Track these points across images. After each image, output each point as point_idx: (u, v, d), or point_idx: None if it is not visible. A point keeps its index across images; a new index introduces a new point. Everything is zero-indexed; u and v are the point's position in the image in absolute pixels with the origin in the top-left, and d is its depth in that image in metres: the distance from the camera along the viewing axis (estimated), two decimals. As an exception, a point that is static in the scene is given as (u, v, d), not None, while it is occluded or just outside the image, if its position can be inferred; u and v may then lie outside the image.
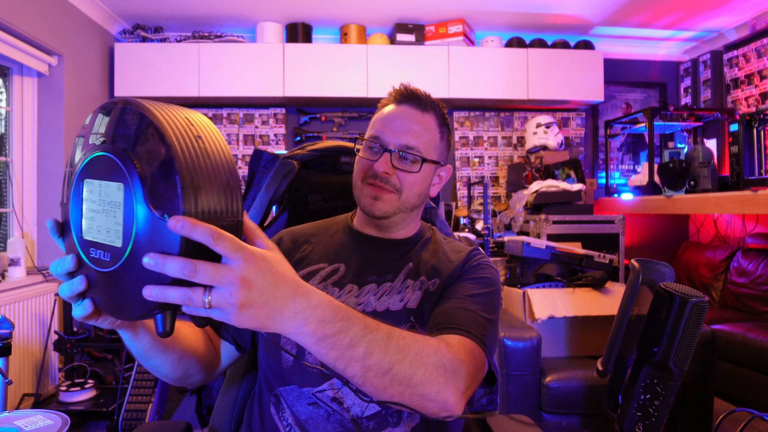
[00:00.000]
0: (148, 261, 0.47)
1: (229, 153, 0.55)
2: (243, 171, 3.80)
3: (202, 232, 0.47)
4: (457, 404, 0.69)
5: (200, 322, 0.54)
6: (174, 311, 0.52)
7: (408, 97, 0.95)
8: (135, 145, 0.51)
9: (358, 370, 0.62)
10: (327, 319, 0.58)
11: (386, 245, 0.98)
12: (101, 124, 0.54)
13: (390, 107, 0.96)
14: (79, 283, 0.55)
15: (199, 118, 0.55)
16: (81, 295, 0.56)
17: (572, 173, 3.45)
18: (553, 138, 3.73)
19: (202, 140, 0.53)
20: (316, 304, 0.57)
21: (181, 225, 0.46)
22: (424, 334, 0.84)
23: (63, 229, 0.59)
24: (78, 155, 0.57)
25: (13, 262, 2.71)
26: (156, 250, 0.48)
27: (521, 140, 4.14)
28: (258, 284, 0.51)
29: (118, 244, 0.51)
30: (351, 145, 1.22)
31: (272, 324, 0.54)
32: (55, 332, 2.73)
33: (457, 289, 0.90)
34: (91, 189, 0.54)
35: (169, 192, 0.48)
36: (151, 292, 0.48)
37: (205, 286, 0.49)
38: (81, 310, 0.57)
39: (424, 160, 0.93)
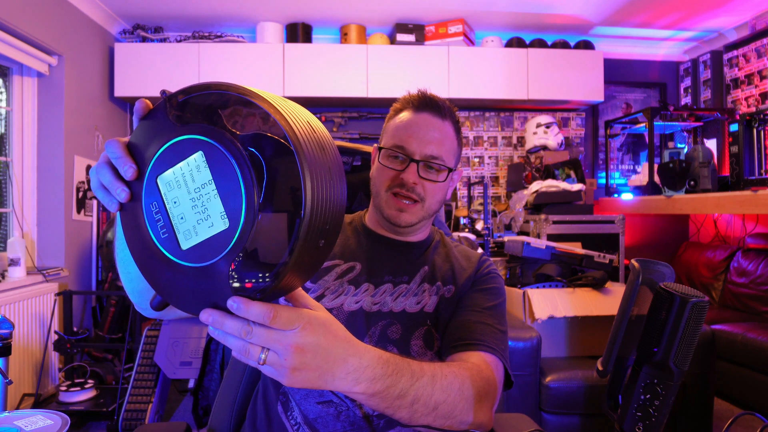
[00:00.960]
0: (209, 319, 0.48)
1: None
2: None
3: (256, 314, 0.47)
4: (489, 422, 0.76)
5: (155, 308, 0.54)
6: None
7: (428, 104, 0.94)
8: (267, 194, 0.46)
9: (405, 414, 0.65)
10: (377, 376, 0.60)
11: (401, 247, 0.99)
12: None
13: (408, 114, 0.95)
14: (123, 194, 0.52)
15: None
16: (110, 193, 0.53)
17: (572, 173, 3.44)
18: (553, 138, 3.73)
19: (331, 231, 0.50)
20: (367, 364, 0.58)
21: (237, 306, 0.47)
22: (442, 338, 0.89)
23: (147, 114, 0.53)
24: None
25: (13, 262, 2.71)
26: (220, 292, 0.47)
27: (521, 140, 4.14)
28: (311, 349, 0.52)
29: (183, 245, 0.48)
30: (349, 144, 1.22)
31: (324, 384, 0.55)
32: (55, 332, 2.73)
33: (473, 301, 0.93)
34: (198, 170, 0.48)
35: (259, 270, 0.46)
36: (214, 333, 0.49)
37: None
38: (108, 205, 0.54)
39: (449, 170, 0.94)
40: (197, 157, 0.48)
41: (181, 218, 0.48)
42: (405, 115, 0.95)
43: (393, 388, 0.62)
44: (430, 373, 0.68)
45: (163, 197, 0.49)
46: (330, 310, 0.89)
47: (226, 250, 0.46)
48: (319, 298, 0.90)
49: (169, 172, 0.49)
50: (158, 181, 0.50)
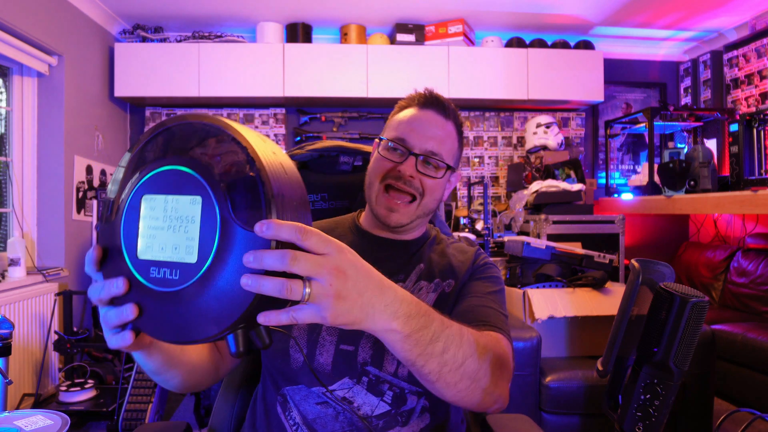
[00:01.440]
0: (250, 259, 0.46)
1: (296, 169, 0.55)
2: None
3: (288, 231, 0.47)
4: (507, 397, 0.75)
5: (239, 353, 0.51)
6: (246, 330, 0.50)
7: (433, 102, 0.96)
8: (212, 157, 0.50)
9: (435, 366, 0.63)
10: (412, 313, 0.58)
11: (396, 246, 0.98)
12: (157, 142, 0.54)
13: (412, 111, 0.96)
14: (129, 312, 0.51)
15: (263, 136, 0.56)
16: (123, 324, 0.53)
17: (572, 173, 3.44)
18: (553, 138, 3.73)
19: (277, 155, 0.52)
20: (402, 298, 0.57)
21: (266, 227, 0.46)
22: None
23: (103, 256, 0.55)
24: (121, 177, 0.55)
25: (13, 262, 2.71)
26: (240, 261, 0.47)
27: (521, 140, 4.14)
28: (352, 275, 0.51)
29: (191, 259, 0.49)
30: (350, 144, 1.22)
31: (365, 317, 0.53)
32: (55, 332, 2.73)
33: (474, 288, 0.93)
34: (154, 205, 0.51)
35: (254, 203, 0.48)
36: (247, 281, 0.46)
37: (303, 280, 0.49)
38: (119, 341, 0.54)
39: (448, 167, 0.94)
40: (145, 203, 0.52)
41: (175, 248, 0.50)
42: (409, 111, 0.96)
43: (426, 330, 0.60)
44: (457, 326, 0.66)
45: (155, 259, 0.51)
46: None
47: (224, 215, 0.48)
48: None
49: (141, 242, 0.52)
50: (138, 254, 0.52)
